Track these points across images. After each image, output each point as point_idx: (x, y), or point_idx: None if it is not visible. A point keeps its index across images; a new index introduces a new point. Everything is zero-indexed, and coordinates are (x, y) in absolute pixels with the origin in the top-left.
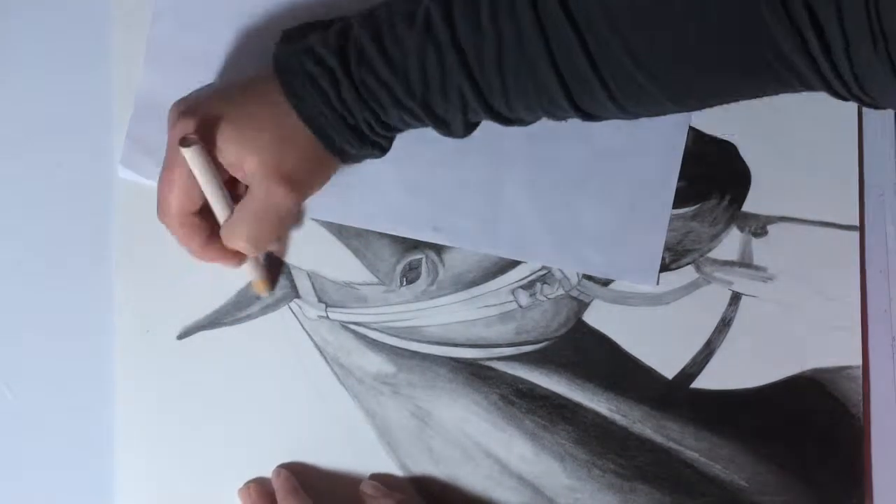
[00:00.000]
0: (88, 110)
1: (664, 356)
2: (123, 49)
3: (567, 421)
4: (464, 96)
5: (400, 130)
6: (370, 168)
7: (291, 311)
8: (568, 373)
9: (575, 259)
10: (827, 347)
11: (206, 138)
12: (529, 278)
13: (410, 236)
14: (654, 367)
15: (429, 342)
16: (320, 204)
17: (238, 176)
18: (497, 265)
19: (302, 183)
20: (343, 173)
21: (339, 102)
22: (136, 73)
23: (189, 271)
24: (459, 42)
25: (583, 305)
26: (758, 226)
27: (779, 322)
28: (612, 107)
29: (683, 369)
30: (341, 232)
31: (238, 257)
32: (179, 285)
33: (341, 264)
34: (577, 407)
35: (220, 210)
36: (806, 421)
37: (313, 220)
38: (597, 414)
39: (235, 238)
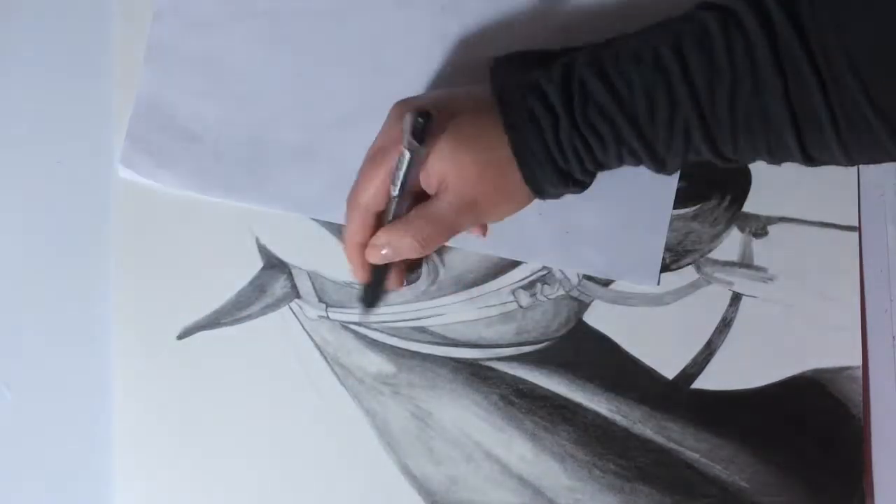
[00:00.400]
0: (88, 109)
1: (665, 356)
2: (123, 49)
3: (567, 421)
4: (689, 134)
5: (606, 169)
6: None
7: (292, 311)
8: (568, 373)
9: (576, 259)
10: (827, 347)
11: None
12: (530, 278)
13: None
14: (654, 367)
15: (429, 342)
16: (321, 204)
17: (427, 186)
18: (497, 265)
19: (489, 215)
20: (342, 173)
21: (554, 143)
22: (136, 73)
23: (189, 271)
24: (691, 77)
25: (583, 306)
26: (758, 226)
27: (779, 322)
28: (836, 149)
29: (684, 370)
30: (341, 232)
31: (367, 271)
32: (179, 285)
33: (342, 264)
34: (578, 407)
35: (391, 212)
36: (806, 421)
37: (313, 220)
38: (597, 414)
39: (404, 234)
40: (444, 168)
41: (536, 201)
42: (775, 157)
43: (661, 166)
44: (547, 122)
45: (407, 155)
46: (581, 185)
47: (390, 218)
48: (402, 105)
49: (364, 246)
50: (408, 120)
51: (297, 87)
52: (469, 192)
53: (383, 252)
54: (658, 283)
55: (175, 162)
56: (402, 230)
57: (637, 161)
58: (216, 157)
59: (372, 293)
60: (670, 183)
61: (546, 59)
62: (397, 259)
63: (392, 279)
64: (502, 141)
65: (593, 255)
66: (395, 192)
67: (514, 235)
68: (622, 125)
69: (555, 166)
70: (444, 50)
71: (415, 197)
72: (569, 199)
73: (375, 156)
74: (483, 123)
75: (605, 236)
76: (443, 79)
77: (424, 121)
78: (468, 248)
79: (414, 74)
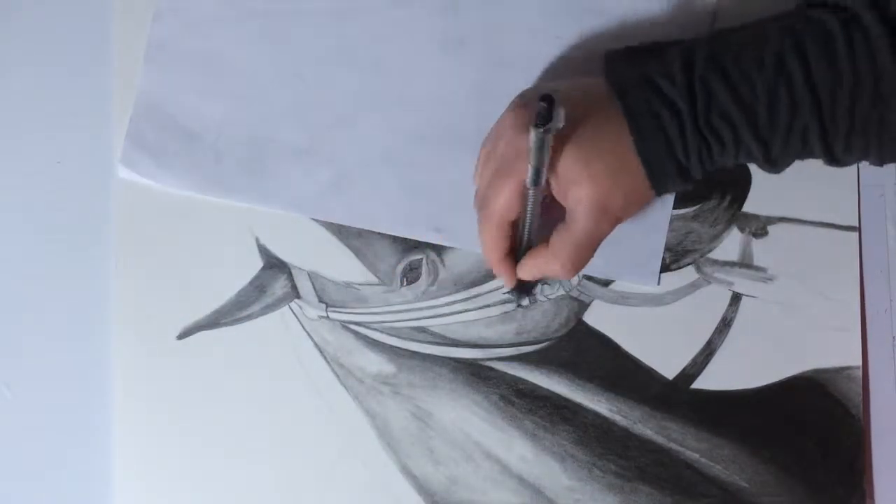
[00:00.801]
0: (88, 110)
1: (665, 357)
2: (123, 49)
3: (567, 421)
4: (806, 137)
5: (720, 168)
6: (371, 169)
7: (292, 311)
8: (568, 373)
9: None
10: (827, 348)
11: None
12: None
13: (412, 237)
14: (654, 367)
15: (429, 342)
16: (321, 205)
17: (561, 197)
18: None
19: (621, 217)
20: (342, 173)
21: (680, 145)
22: (136, 73)
23: (189, 271)
24: (813, 83)
25: (583, 306)
26: (758, 226)
27: (779, 322)
28: None
29: (684, 370)
30: (341, 232)
31: (515, 279)
32: (179, 285)
33: (342, 264)
34: (578, 407)
35: (526, 225)
36: (806, 421)
37: (313, 220)
38: (597, 414)
39: (553, 262)
40: (578, 179)
41: None
42: (884, 160)
43: (772, 166)
44: (672, 125)
45: (540, 135)
46: (693, 183)
47: (528, 222)
48: (521, 104)
49: (507, 256)
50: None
51: (296, 87)
52: (604, 201)
53: (535, 273)
54: (658, 283)
55: (175, 162)
56: (552, 259)
57: (750, 160)
58: (216, 156)
59: (522, 289)
60: None
61: (656, 51)
62: (567, 278)
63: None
64: (627, 144)
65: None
66: (531, 188)
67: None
68: (743, 128)
69: (678, 167)
70: (443, 49)
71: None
72: None
73: (501, 168)
74: (607, 127)
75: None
76: (444, 76)
77: (548, 104)
78: (466, 247)
79: (413, 73)
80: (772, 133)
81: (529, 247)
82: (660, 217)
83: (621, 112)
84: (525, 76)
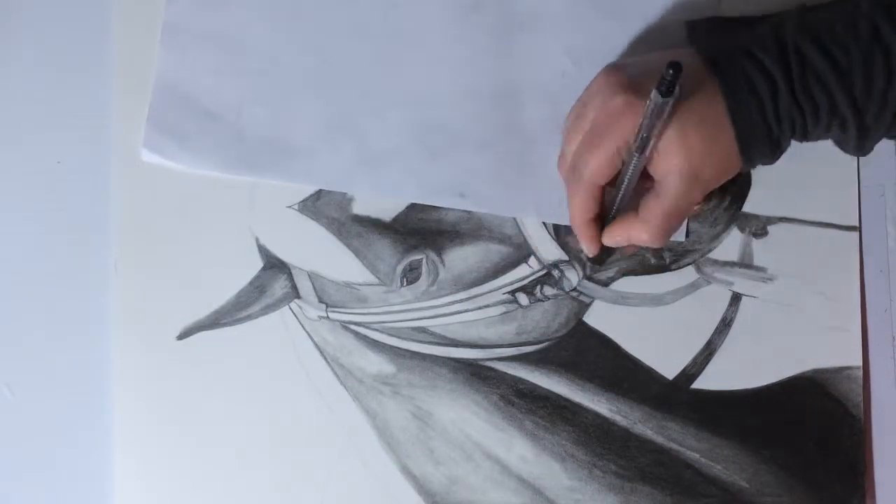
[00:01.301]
0: (88, 109)
1: (665, 357)
2: (123, 48)
3: (567, 422)
4: None
5: (809, 140)
6: (393, 139)
7: (292, 311)
8: (568, 373)
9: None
10: (827, 348)
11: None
12: (530, 278)
13: (436, 204)
14: (654, 367)
15: (429, 342)
16: (347, 178)
17: (653, 169)
18: (498, 266)
19: (710, 186)
20: (365, 146)
21: (772, 113)
22: (136, 73)
23: (189, 271)
24: None
25: (583, 306)
26: (758, 226)
27: (779, 322)
28: None
29: (684, 370)
30: (341, 232)
31: (600, 244)
32: (179, 285)
33: (342, 264)
34: (578, 407)
35: (620, 192)
36: (806, 421)
37: (313, 220)
38: (597, 415)
39: (643, 230)
40: (673, 150)
41: None
42: None
43: (864, 139)
44: (766, 91)
45: (661, 103)
46: (780, 155)
47: (623, 189)
48: (613, 77)
49: (594, 221)
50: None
51: (316, 62)
52: (696, 169)
53: (621, 241)
54: (686, 236)
55: (198, 143)
56: (642, 226)
57: (843, 132)
58: (238, 135)
59: (598, 258)
60: None
61: (742, 24)
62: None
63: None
64: (721, 113)
65: None
66: (636, 154)
67: (542, 200)
68: (839, 96)
69: (770, 136)
70: (458, 13)
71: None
72: None
73: (593, 133)
74: (702, 97)
75: None
76: (460, 41)
77: (675, 71)
78: (492, 211)
79: (429, 40)
80: (867, 100)
81: (616, 215)
82: None
83: (716, 82)
84: (540, 37)
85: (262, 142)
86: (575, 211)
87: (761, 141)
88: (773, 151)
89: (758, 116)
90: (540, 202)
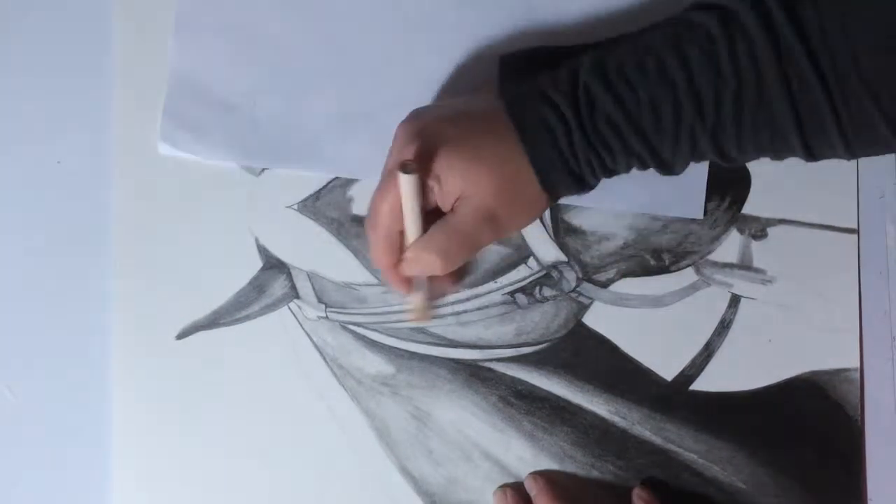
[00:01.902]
0: (88, 109)
1: (663, 358)
2: (124, 48)
3: (566, 422)
4: (695, 140)
5: (615, 174)
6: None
7: (291, 311)
8: (567, 374)
9: (619, 197)
10: (825, 349)
11: (424, 162)
12: (529, 279)
13: None
14: (653, 368)
15: (428, 343)
16: (363, 164)
17: (442, 203)
18: (497, 266)
19: (507, 227)
20: (381, 132)
21: (568, 150)
22: (139, 70)
23: (188, 271)
24: (697, 88)
25: (582, 307)
26: (757, 228)
27: (778, 324)
28: (839, 145)
29: (683, 371)
30: (341, 232)
31: (409, 285)
32: (178, 285)
33: (341, 265)
34: (577, 409)
35: (412, 234)
36: (804, 423)
37: (312, 220)
38: (596, 416)
39: (428, 251)
40: (460, 184)
41: None
42: (778, 155)
43: (668, 170)
44: (560, 131)
45: (403, 181)
46: (590, 188)
47: (412, 238)
48: (404, 126)
49: (395, 266)
50: (398, 137)
51: (330, 51)
52: (487, 205)
53: (415, 267)
54: (704, 215)
55: (213, 134)
56: (423, 247)
57: (644, 167)
58: (254, 125)
59: (423, 311)
60: None
61: (553, 58)
62: (427, 275)
63: (441, 284)
64: (516, 151)
65: (636, 190)
66: (408, 214)
67: None
68: (629, 135)
69: (571, 173)
70: (474, 4)
71: (435, 212)
72: None
73: (386, 178)
74: (496, 135)
75: (648, 171)
76: (467, 26)
77: (410, 170)
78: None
79: (444, 28)
80: (658, 138)
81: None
82: None
83: (511, 124)
84: (555, 25)
85: (278, 131)
86: (374, 258)
87: (564, 178)
88: (578, 184)
89: (553, 152)
90: None
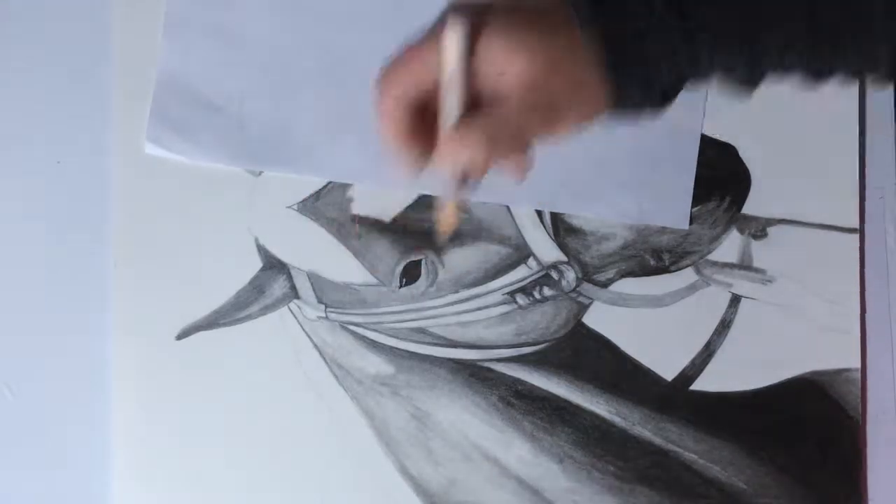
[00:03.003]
0: (88, 110)
1: (663, 358)
2: (123, 50)
3: (566, 423)
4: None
5: (698, 81)
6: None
7: (291, 311)
8: (567, 374)
9: (606, 206)
10: (826, 350)
11: (472, 34)
12: (529, 279)
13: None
14: (653, 369)
15: (428, 343)
16: (347, 169)
17: (487, 83)
18: (497, 266)
19: (560, 116)
20: (371, 137)
21: (644, 27)
22: (136, 74)
23: (188, 271)
24: None
25: (582, 307)
26: (758, 228)
27: (778, 324)
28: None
29: (683, 371)
30: (340, 232)
31: (423, 161)
32: (178, 285)
33: (341, 265)
34: (577, 409)
35: (453, 110)
36: (805, 423)
37: (312, 220)
38: (596, 416)
39: (472, 132)
40: (509, 57)
41: (561, 151)
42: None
43: (752, 69)
44: (639, 6)
45: (452, 35)
46: (660, 105)
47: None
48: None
49: (412, 132)
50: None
51: (318, 54)
52: (538, 83)
53: (446, 157)
54: (690, 223)
55: (200, 135)
56: (469, 127)
57: (729, 65)
58: (240, 127)
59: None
60: (696, 127)
61: None
62: (463, 165)
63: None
64: (572, 24)
65: (623, 201)
66: (454, 79)
67: (538, 187)
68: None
69: (639, 55)
70: None
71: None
72: (598, 146)
73: (424, 39)
74: (552, 5)
75: (634, 182)
76: None
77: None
78: (486, 199)
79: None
80: (755, 21)
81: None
82: (687, 159)
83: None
84: None
85: (265, 134)
86: (387, 121)
87: (631, 69)
88: (648, 86)
89: (623, 32)
90: (539, 189)
